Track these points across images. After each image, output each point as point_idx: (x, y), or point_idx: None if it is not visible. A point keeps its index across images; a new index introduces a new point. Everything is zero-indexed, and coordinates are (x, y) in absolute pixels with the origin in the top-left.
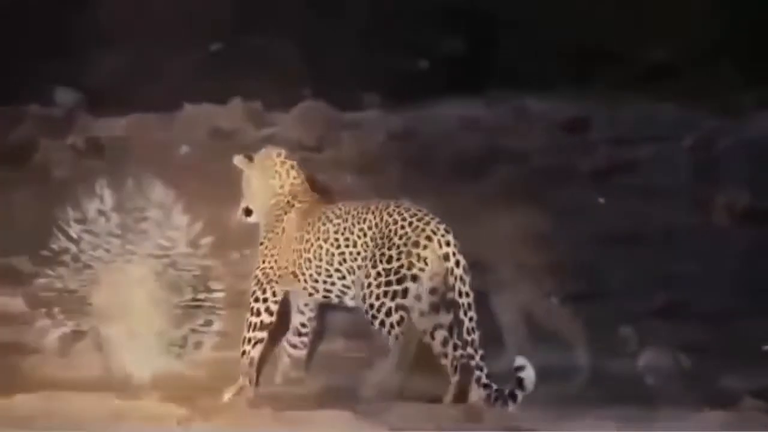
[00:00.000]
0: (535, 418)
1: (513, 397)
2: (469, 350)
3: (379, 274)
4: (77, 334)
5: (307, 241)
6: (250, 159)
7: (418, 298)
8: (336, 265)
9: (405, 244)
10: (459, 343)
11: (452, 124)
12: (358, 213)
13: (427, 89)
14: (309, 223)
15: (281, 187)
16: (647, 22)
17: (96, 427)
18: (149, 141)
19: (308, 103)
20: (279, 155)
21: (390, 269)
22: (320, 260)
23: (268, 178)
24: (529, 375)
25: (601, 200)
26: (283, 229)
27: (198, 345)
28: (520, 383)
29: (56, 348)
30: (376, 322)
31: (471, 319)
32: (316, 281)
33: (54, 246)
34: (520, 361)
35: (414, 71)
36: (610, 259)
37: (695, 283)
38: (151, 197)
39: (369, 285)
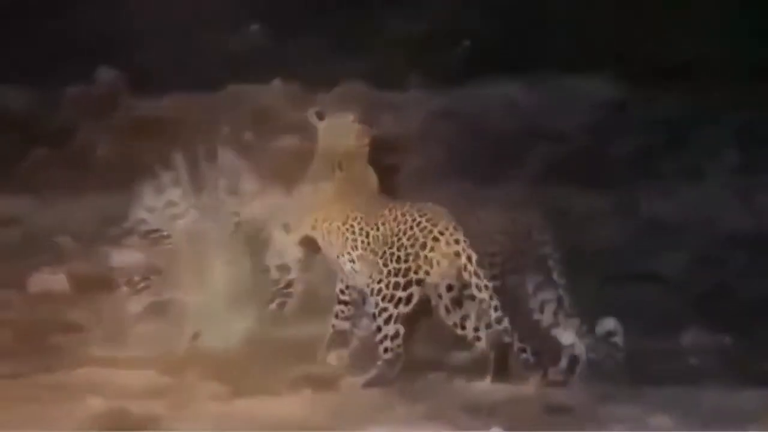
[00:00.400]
0: (577, 398)
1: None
2: (506, 338)
3: (389, 273)
4: (155, 304)
5: (331, 217)
6: (321, 117)
7: (440, 296)
8: (348, 249)
9: (412, 245)
10: (489, 322)
11: (493, 105)
12: (377, 207)
13: (468, 70)
14: (337, 200)
15: (339, 148)
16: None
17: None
18: (191, 121)
19: (349, 83)
20: (348, 117)
21: (399, 269)
22: (337, 238)
23: (332, 138)
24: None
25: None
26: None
27: (281, 305)
28: (615, 346)
29: (136, 316)
30: (374, 325)
31: (496, 309)
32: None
33: (131, 218)
34: (609, 324)
35: (456, 52)
36: (654, 241)
37: (739, 266)
38: (222, 164)
39: (379, 281)
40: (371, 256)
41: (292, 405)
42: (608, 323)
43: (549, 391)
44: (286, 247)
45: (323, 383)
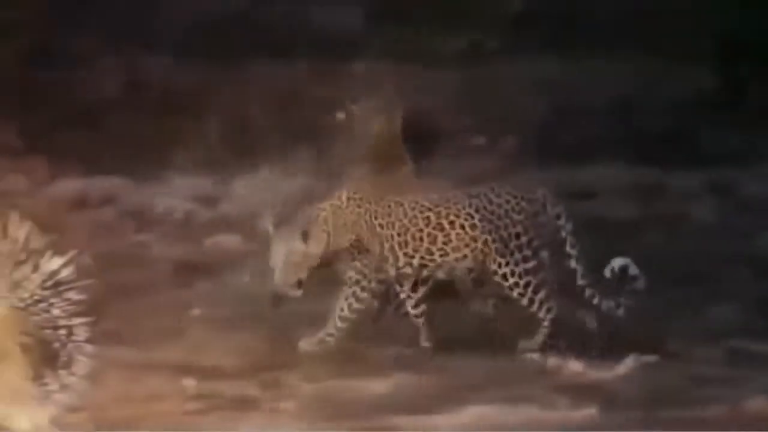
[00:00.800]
0: (672, 379)
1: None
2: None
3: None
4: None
5: (364, 205)
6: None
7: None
8: (376, 234)
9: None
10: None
11: (528, 82)
12: (403, 191)
13: (503, 47)
14: (373, 187)
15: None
16: None
17: None
18: (220, 99)
19: (376, 62)
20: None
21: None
22: (367, 226)
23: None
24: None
25: None
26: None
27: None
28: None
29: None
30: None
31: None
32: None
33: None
34: (619, 261)
35: (491, 29)
36: (750, 221)
37: None
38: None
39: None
40: (393, 241)
41: (384, 386)
42: (620, 261)
43: (644, 372)
44: (301, 260)
45: (411, 364)
